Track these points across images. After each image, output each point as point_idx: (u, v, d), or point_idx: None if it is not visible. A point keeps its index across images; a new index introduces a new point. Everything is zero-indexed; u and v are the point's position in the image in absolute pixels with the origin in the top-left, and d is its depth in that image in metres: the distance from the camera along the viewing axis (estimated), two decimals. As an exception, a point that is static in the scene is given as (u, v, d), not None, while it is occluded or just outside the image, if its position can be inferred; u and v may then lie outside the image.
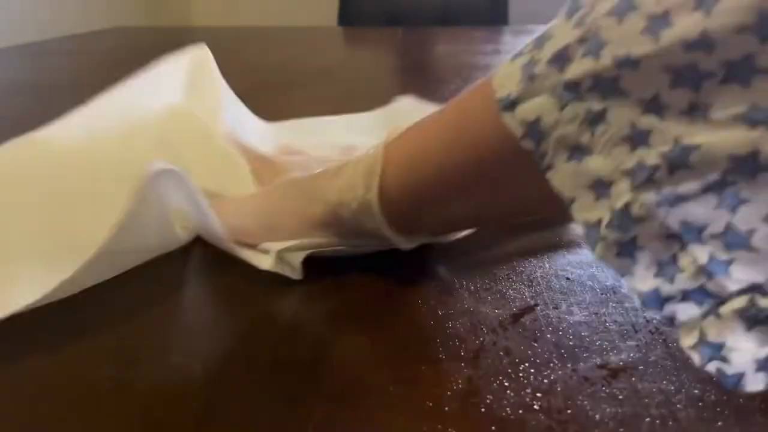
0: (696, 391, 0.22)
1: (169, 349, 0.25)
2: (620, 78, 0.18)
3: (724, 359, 0.17)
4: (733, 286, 0.17)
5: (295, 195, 0.31)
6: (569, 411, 0.21)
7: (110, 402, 0.22)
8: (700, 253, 0.17)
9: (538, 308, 0.27)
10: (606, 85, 0.19)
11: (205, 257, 0.32)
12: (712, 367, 0.17)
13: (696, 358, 0.17)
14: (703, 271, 0.17)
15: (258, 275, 0.30)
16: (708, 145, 0.17)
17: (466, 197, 0.26)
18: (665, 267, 0.18)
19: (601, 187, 0.19)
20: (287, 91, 0.74)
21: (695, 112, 0.17)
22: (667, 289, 0.18)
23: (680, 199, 0.17)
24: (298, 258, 0.29)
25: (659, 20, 0.17)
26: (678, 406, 0.21)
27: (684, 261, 0.18)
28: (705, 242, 0.17)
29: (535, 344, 0.25)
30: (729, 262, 0.17)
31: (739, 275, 0.17)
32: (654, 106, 0.18)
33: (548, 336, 0.25)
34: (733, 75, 0.16)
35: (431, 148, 0.26)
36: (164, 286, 0.30)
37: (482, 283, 0.30)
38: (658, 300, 0.18)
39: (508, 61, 0.22)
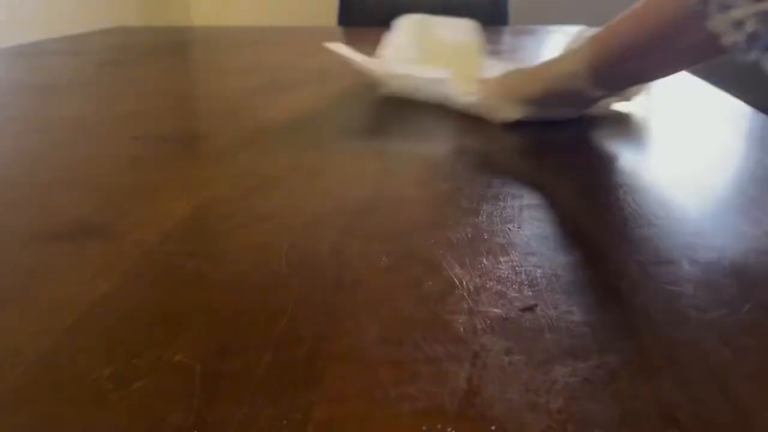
0: (696, 391, 0.22)
1: (170, 348, 0.25)
2: None
3: None
4: None
5: (521, 78, 0.56)
6: (569, 411, 0.21)
7: (110, 401, 0.22)
8: None
9: (538, 308, 0.27)
10: None
11: (206, 255, 0.33)
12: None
13: None
14: None
15: (246, 270, 0.30)
16: None
17: (648, 56, 0.46)
18: None
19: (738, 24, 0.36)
20: (287, 91, 0.74)
21: None
22: None
23: None
24: (515, 115, 0.55)
25: None
26: (679, 405, 0.21)
27: None
28: None
29: (535, 344, 0.25)
30: None
31: None
32: None
33: (548, 336, 0.25)
34: None
35: (630, 25, 0.47)
36: (164, 286, 0.30)
37: (482, 283, 0.30)
38: None
39: None
